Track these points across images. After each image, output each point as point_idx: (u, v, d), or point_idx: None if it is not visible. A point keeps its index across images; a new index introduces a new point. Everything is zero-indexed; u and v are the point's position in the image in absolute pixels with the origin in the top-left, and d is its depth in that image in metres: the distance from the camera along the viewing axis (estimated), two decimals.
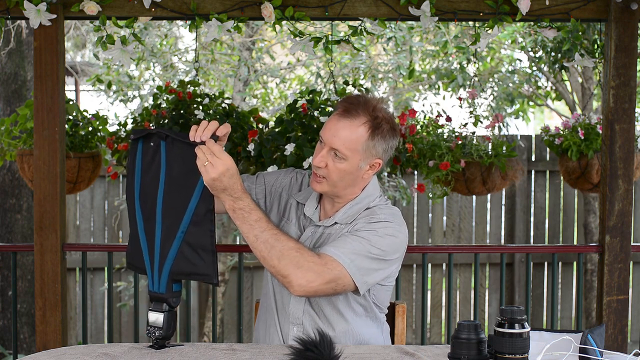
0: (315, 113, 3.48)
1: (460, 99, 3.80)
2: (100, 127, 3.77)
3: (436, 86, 6.29)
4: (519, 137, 5.93)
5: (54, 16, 3.16)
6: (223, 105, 3.69)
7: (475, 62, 4.06)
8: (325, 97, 3.69)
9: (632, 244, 3.44)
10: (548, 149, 5.73)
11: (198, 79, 3.74)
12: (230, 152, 3.47)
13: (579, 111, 5.80)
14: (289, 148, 3.30)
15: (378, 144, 2.19)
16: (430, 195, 3.91)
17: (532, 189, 6.02)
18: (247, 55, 6.12)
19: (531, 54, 5.81)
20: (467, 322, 1.74)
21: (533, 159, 5.99)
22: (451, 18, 3.29)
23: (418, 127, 3.70)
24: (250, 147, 3.41)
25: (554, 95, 6.40)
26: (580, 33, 3.96)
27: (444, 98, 6.41)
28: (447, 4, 3.27)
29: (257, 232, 2.06)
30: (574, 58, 3.56)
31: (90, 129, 3.74)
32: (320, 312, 2.24)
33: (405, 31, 5.57)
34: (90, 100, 8.52)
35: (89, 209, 5.88)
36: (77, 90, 8.84)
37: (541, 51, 5.35)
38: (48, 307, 3.36)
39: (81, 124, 3.72)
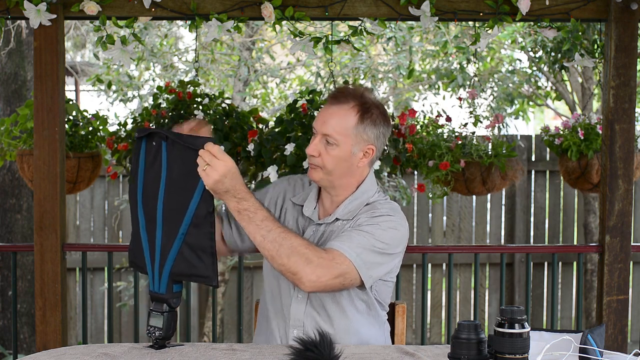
0: (315, 113, 3.48)
1: (460, 99, 3.80)
2: (100, 127, 3.77)
3: (436, 86, 6.29)
4: (519, 137, 5.93)
5: (54, 16, 3.16)
6: (223, 105, 3.69)
7: (475, 62, 4.06)
8: (325, 97, 3.69)
9: (632, 244, 3.44)
10: (548, 149, 5.73)
11: (198, 79, 3.74)
12: (230, 152, 3.47)
13: (579, 111, 5.81)
14: (289, 148, 3.30)
15: (368, 128, 2.22)
16: (430, 195, 3.91)
17: (532, 189, 6.02)
18: (247, 55, 6.12)
19: (531, 54, 5.81)
20: (467, 322, 1.74)
21: (533, 159, 5.99)
22: (451, 18, 3.29)
23: (418, 127, 3.70)
24: (250, 147, 3.41)
25: (554, 95, 6.40)
26: (580, 33, 3.96)
27: (444, 98, 6.41)
28: (447, 4, 3.27)
29: (264, 232, 2.05)
30: (574, 58, 3.56)
31: (90, 129, 3.74)
32: (322, 310, 2.24)
33: (405, 31, 5.57)
34: (90, 100, 8.52)
35: (89, 209, 5.89)
36: (77, 90, 8.85)
37: (541, 51, 5.35)
38: (48, 307, 3.36)
39: (81, 124, 3.72)
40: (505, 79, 6.30)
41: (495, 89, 6.26)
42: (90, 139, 3.72)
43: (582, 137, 3.68)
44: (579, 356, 1.85)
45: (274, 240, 2.05)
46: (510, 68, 6.51)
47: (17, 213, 5.31)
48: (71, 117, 3.69)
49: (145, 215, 2.11)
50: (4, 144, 3.70)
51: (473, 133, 3.71)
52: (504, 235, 6.06)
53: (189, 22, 3.39)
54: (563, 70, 5.24)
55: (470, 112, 3.76)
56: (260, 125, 3.61)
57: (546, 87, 6.46)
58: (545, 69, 5.87)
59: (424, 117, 3.82)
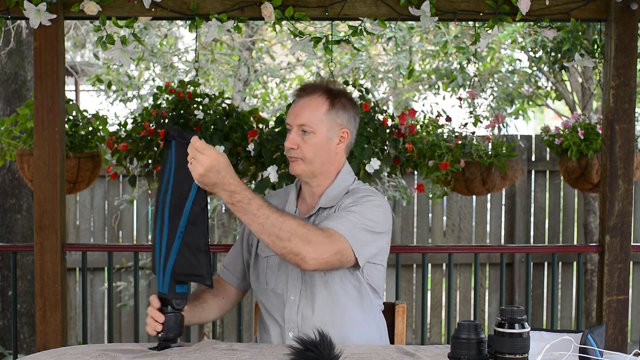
0: None
1: (460, 99, 3.80)
2: (100, 127, 3.77)
3: (436, 86, 6.29)
4: (519, 137, 5.93)
5: (54, 16, 3.16)
6: (223, 105, 3.69)
7: (475, 62, 4.06)
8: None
9: (632, 244, 3.44)
10: (548, 149, 5.73)
11: (198, 79, 3.74)
12: (230, 152, 3.47)
13: (579, 111, 5.80)
14: None
15: (340, 112, 2.33)
16: (430, 195, 3.91)
17: (532, 189, 6.02)
18: (247, 55, 6.12)
19: (531, 54, 5.80)
20: (467, 322, 1.74)
21: (533, 159, 5.99)
22: (451, 18, 3.29)
23: (418, 127, 3.70)
24: (250, 147, 3.41)
25: (554, 95, 6.40)
26: (580, 33, 3.96)
27: (444, 98, 6.41)
28: (447, 4, 3.27)
29: (262, 219, 2.07)
30: (574, 58, 3.56)
31: (90, 129, 3.74)
32: (313, 306, 2.25)
33: (405, 31, 5.57)
34: (90, 100, 8.52)
35: (89, 209, 5.88)
36: (77, 90, 8.84)
37: (541, 51, 5.35)
38: (48, 307, 3.36)
39: (81, 124, 3.72)
40: (505, 79, 6.30)
41: (495, 89, 6.26)
42: (90, 139, 3.72)
43: (582, 137, 3.68)
44: (579, 356, 1.85)
45: (273, 226, 2.07)
46: (510, 68, 6.51)
47: (17, 213, 5.31)
48: (71, 117, 3.69)
49: (161, 216, 2.11)
50: (4, 144, 3.70)
51: (473, 133, 3.71)
52: (504, 235, 6.06)
53: (189, 22, 3.39)
54: (563, 70, 5.24)
55: (470, 112, 3.76)
56: (260, 125, 3.61)
57: (546, 87, 6.46)
58: (545, 69, 5.87)
59: (424, 117, 3.82)
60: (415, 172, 5.56)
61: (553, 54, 5.01)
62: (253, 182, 3.58)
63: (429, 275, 5.97)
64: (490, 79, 6.24)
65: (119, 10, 3.25)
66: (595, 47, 4.10)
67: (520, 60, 6.57)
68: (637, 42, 3.34)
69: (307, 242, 2.09)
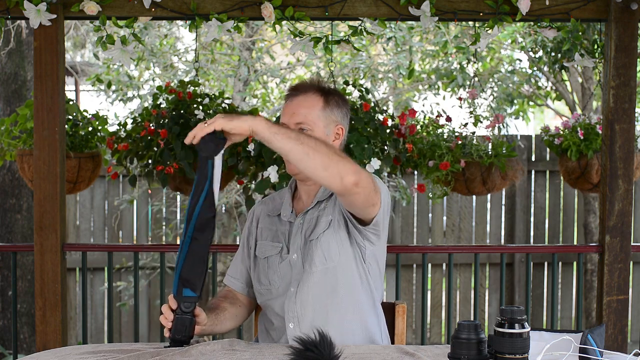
0: None
1: (460, 99, 3.80)
2: (100, 127, 3.78)
3: (436, 86, 6.29)
4: (518, 137, 5.93)
5: (54, 16, 3.16)
6: (223, 105, 3.69)
7: (475, 62, 4.06)
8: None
9: (632, 244, 3.44)
10: (548, 149, 5.73)
11: (198, 79, 3.74)
12: (230, 152, 3.47)
13: (579, 111, 5.80)
14: None
15: (335, 109, 2.34)
16: (430, 195, 3.92)
17: (532, 189, 6.02)
18: (247, 55, 6.12)
19: (531, 54, 5.80)
20: (467, 322, 1.74)
21: (533, 159, 5.99)
22: (451, 18, 3.29)
23: (418, 127, 3.70)
24: (250, 147, 3.41)
25: (554, 95, 6.40)
26: (580, 33, 3.96)
27: (444, 98, 6.41)
28: (447, 4, 3.27)
29: (302, 138, 2.02)
30: (574, 58, 3.56)
31: (90, 129, 3.74)
32: (312, 299, 2.24)
33: (405, 31, 5.57)
34: (90, 100, 8.52)
35: (89, 209, 5.88)
36: (77, 90, 8.84)
37: (541, 51, 5.35)
38: (48, 307, 3.36)
39: (81, 124, 3.72)
40: (505, 79, 6.30)
41: (495, 89, 6.26)
42: (90, 139, 3.73)
43: (582, 137, 3.68)
44: (579, 356, 1.85)
45: (315, 143, 2.03)
46: (510, 68, 6.51)
47: (17, 213, 5.31)
48: (71, 117, 3.69)
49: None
50: (4, 144, 3.70)
51: (473, 133, 3.71)
52: (504, 235, 6.06)
53: (189, 22, 3.39)
54: (563, 70, 5.24)
55: (470, 112, 3.76)
56: None
57: (546, 87, 6.46)
58: (545, 69, 5.87)
59: (424, 117, 3.82)
60: (416, 172, 5.57)
61: (553, 54, 5.01)
62: (253, 182, 3.58)
63: (429, 275, 5.97)
64: (490, 79, 6.24)
65: (119, 10, 3.25)
66: (595, 47, 4.10)
67: (520, 60, 6.57)
68: (637, 42, 3.35)
69: (345, 159, 2.06)
